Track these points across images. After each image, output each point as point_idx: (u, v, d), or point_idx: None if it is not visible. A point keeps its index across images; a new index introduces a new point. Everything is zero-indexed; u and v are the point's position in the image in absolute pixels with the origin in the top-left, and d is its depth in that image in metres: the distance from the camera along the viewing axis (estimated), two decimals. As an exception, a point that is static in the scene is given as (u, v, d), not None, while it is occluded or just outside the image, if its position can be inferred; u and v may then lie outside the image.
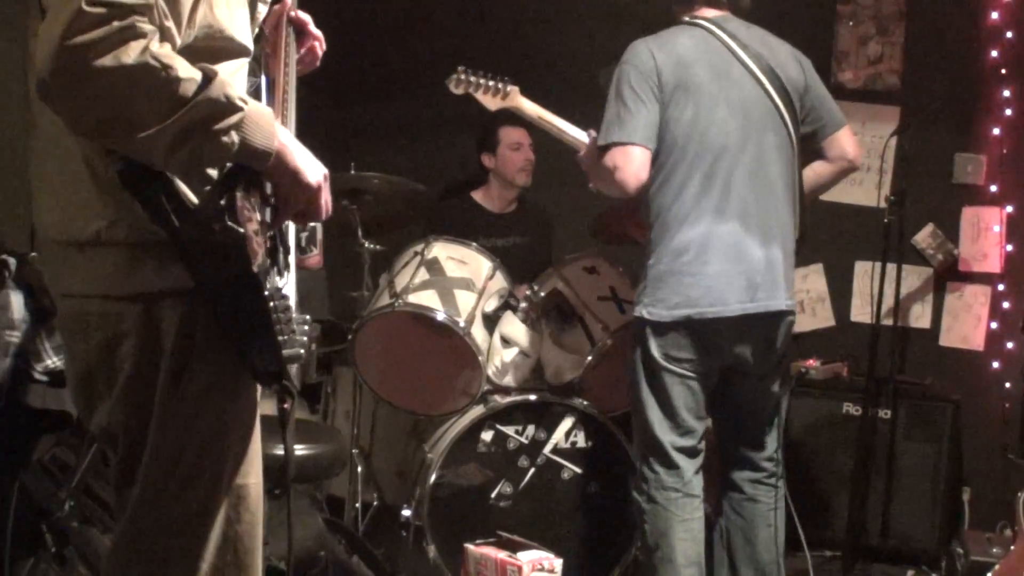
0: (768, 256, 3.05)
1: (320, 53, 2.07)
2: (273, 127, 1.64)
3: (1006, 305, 4.40)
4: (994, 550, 3.59)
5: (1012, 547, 3.18)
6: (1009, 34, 4.35)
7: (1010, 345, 4.37)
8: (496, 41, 4.71)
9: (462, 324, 3.54)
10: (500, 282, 3.79)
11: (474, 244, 3.83)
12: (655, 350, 3.03)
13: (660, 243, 3.04)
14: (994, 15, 4.37)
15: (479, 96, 3.33)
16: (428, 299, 3.59)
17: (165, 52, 1.51)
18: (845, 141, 3.24)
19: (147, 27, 1.50)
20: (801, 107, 3.16)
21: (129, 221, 1.62)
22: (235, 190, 1.60)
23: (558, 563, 3.30)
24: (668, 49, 3.04)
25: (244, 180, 1.62)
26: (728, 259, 3.00)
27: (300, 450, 3.01)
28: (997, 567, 3.21)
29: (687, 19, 3.15)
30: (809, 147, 3.23)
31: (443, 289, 3.63)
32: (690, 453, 3.09)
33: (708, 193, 3.00)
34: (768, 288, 3.04)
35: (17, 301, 2.83)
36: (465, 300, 3.63)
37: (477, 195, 4.49)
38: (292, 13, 1.97)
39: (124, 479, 1.73)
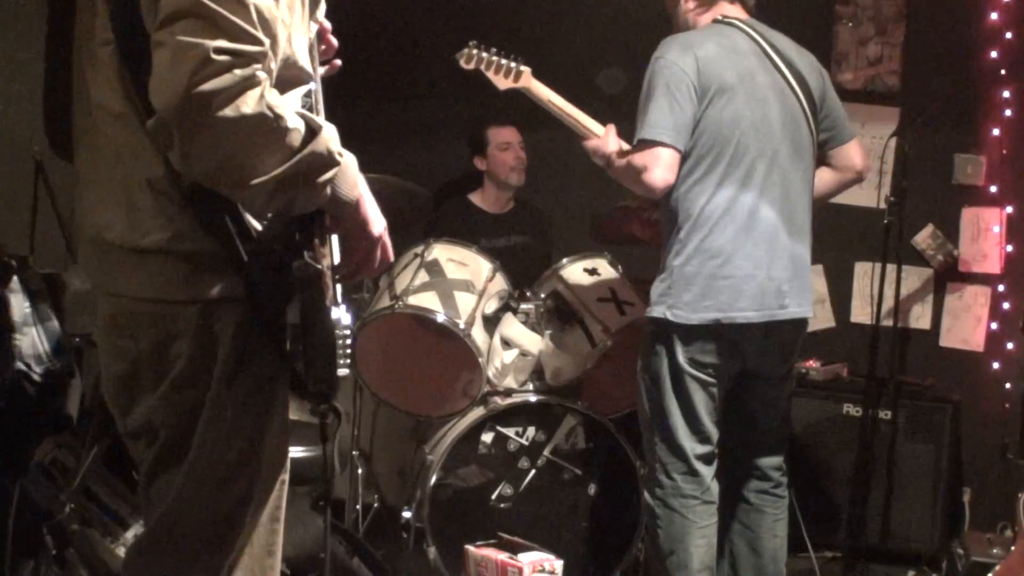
0: (795, 262, 3.02)
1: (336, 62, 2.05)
2: (357, 178, 1.70)
3: (1006, 305, 4.40)
4: (994, 550, 3.59)
5: (1012, 547, 3.18)
6: (1009, 34, 4.34)
7: (1010, 345, 4.36)
8: (497, 42, 4.70)
9: (462, 326, 3.54)
10: (500, 284, 3.79)
11: (474, 246, 3.83)
12: (681, 356, 2.96)
13: (690, 243, 2.95)
14: (994, 15, 4.36)
15: (490, 74, 3.21)
16: (428, 301, 3.59)
17: (276, 101, 1.55)
18: (854, 152, 3.22)
19: (263, 75, 1.54)
20: (819, 116, 3.13)
21: (193, 236, 1.65)
22: (312, 227, 1.66)
23: (559, 564, 3.30)
24: (707, 47, 2.96)
25: (319, 219, 1.68)
26: (760, 264, 2.96)
27: (300, 452, 3.00)
28: (997, 567, 3.21)
29: (719, 18, 3.07)
30: (818, 155, 3.20)
31: (443, 291, 3.63)
32: (709, 460, 3.05)
33: (743, 195, 2.95)
34: (795, 295, 3.02)
35: (19, 303, 2.83)
36: (465, 302, 3.62)
37: (475, 197, 4.49)
38: None
39: (156, 471, 1.76)
